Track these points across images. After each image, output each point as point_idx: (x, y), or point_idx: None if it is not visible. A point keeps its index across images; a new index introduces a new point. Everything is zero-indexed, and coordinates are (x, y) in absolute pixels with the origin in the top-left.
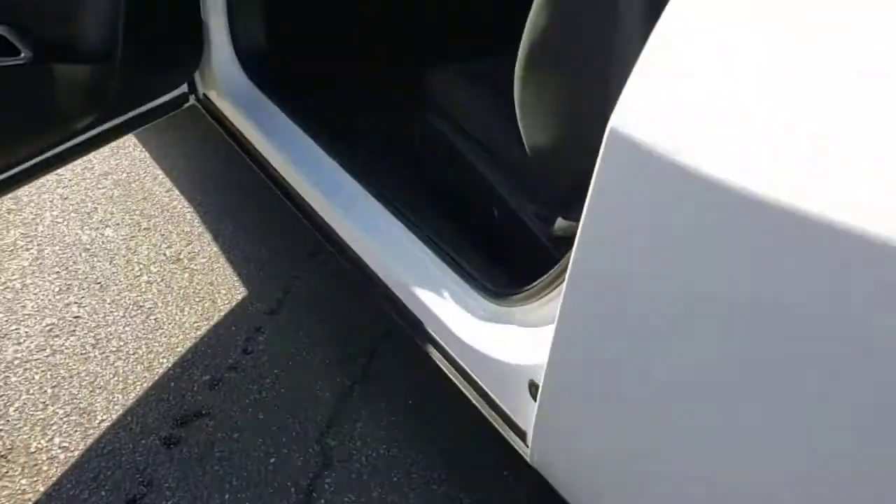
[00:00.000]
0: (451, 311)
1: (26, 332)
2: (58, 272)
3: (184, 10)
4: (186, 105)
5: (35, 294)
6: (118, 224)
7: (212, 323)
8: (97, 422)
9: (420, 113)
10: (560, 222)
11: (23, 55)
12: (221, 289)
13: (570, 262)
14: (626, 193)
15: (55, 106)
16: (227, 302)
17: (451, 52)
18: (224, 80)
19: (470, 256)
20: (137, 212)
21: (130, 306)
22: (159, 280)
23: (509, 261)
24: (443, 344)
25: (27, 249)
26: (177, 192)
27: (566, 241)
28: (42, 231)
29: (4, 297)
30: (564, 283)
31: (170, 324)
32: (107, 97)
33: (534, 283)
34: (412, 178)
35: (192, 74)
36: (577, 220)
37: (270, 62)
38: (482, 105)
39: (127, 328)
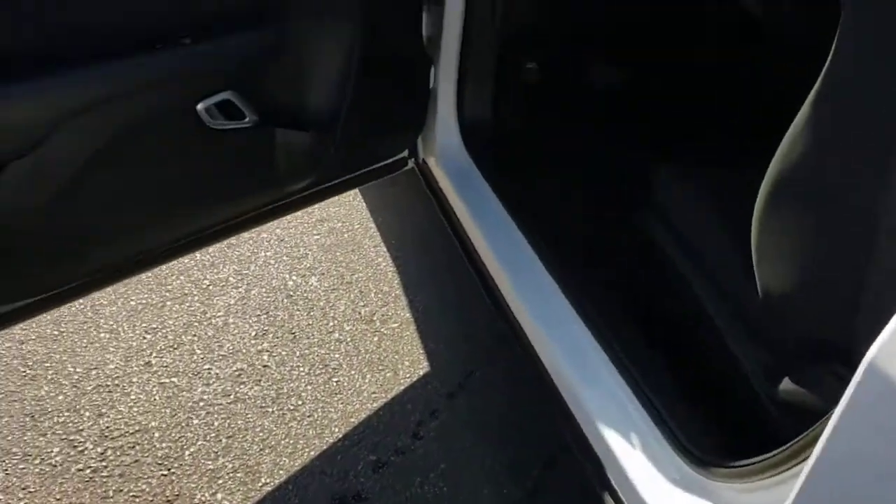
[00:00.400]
0: (637, 462)
1: (217, 374)
2: (258, 315)
3: (414, 77)
4: (405, 169)
5: (233, 335)
6: (323, 274)
7: (389, 396)
8: (260, 484)
9: (639, 214)
10: (787, 384)
11: (247, 119)
12: (406, 360)
13: (812, 459)
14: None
15: (273, 168)
16: (408, 376)
17: (685, 151)
18: (443, 150)
19: (669, 398)
20: (343, 264)
21: (317, 363)
22: (349, 340)
23: (716, 414)
24: (622, 498)
25: (236, 287)
26: (384, 248)
27: (792, 409)
28: (254, 270)
29: (206, 334)
30: (801, 478)
31: (349, 389)
32: (325, 162)
33: (751, 461)
34: (618, 287)
35: (415, 142)
36: (808, 387)
37: (491, 141)
38: (710, 219)
39: (308, 387)
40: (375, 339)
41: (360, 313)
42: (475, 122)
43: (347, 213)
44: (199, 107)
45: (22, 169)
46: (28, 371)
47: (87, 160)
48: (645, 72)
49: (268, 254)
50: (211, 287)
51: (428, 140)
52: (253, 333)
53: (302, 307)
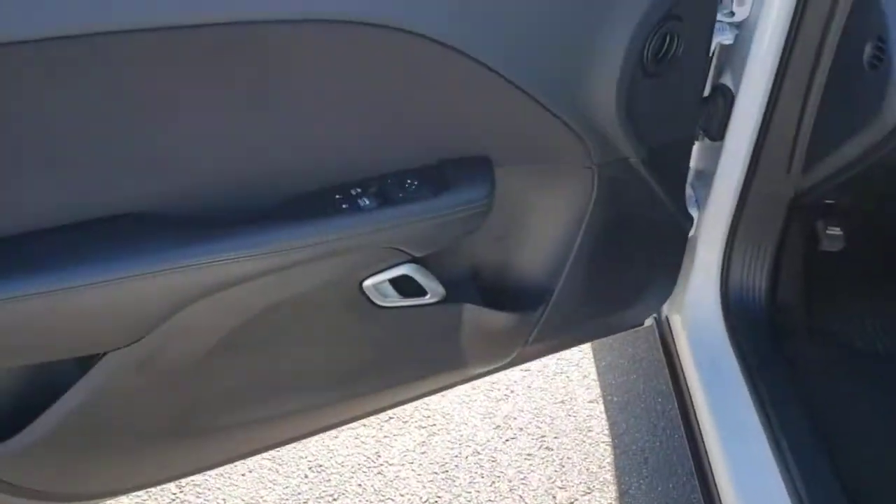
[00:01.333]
0: None
1: None
2: (434, 473)
3: (667, 241)
4: (640, 327)
5: (401, 495)
6: (521, 429)
7: None
8: None
9: None
10: None
11: (428, 296)
12: None
13: None
14: None
15: (458, 351)
16: None
17: None
18: (693, 315)
19: None
20: (548, 420)
21: None
22: None
23: None
24: None
25: (421, 427)
26: (601, 408)
27: None
28: (443, 406)
29: (371, 485)
30: None
31: None
32: (529, 344)
33: None
34: None
35: (658, 310)
36: None
37: (762, 319)
38: None
39: None
40: None
41: (554, 498)
42: (744, 291)
43: None
44: (368, 283)
45: (124, 358)
46: (178, 494)
47: (214, 346)
48: None
49: (464, 388)
50: (392, 421)
51: (676, 296)
52: (423, 497)
53: (487, 472)
